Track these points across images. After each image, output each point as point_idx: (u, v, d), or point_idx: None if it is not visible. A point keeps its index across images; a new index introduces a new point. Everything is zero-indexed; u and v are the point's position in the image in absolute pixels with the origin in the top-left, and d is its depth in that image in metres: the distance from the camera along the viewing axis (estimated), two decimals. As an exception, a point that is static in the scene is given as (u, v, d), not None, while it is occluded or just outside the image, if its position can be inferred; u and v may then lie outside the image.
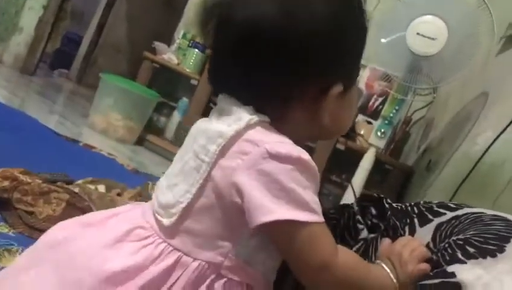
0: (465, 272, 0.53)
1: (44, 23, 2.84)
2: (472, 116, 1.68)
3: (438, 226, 0.64)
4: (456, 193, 1.30)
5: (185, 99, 2.41)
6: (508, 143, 1.23)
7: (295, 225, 0.54)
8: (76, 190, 1.02)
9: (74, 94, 3.16)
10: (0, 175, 0.94)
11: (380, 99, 2.21)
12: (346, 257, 0.58)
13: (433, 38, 1.61)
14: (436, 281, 0.54)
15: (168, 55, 2.39)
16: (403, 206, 0.72)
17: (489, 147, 1.18)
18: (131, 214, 0.63)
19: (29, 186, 0.95)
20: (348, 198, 1.77)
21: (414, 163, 2.16)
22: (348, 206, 0.78)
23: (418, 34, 1.64)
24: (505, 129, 1.17)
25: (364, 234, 0.73)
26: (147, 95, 2.27)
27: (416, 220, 0.68)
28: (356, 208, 0.76)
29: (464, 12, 1.61)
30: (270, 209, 0.53)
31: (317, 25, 0.57)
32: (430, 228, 0.65)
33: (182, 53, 2.43)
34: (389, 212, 0.71)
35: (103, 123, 2.19)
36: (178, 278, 0.56)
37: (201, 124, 0.62)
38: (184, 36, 2.48)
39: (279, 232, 0.55)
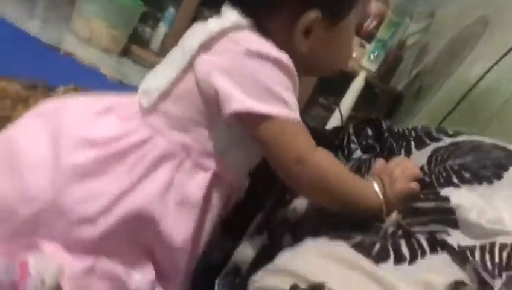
0: (459, 197, 0.52)
1: None
2: (469, 42, 1.64)
3: (435, 151, 0.63)
4: (445, 119, 1.29)
5: (171, 10, 2.29)
6: (503, 71, 1.20)
7: (270, 119, 0.56)
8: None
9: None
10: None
11: (375, 21, 2.13)
12: (326, 158, 0.59)
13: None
14: (430, 204, 0.53)
15: (155, -39, 2.23)
16: (401, 129, 0.71)
17: (484, 74, 1.16)
18: (118, 98, 0.66)
19: (6, 92, 0.90)
20: (335, 121, 1.76)
21: (404, 88, 2.14)
22: (343, 128, 0.76)
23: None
24: (502, 57, 1.13)
25: (357, 154, 0.72)
26: (131, 2, 2.16)
27: (412, 143, 0.67)
28: (351, 129, 0.75)
29: None
30: (243, 99, 0.56)
31: None
32: (427, 151, 0.64)
33: (169, -41, 2.26)
34: (386, 134, 0.70)
35: (86, 30, 2.10)
36: (149, 152, 0.58)
37: (196, 26, 0.65)
38: None
39: (254, 125, 0.57)
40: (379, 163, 0.65)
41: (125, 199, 0.56)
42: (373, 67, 1.87)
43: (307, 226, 0.60)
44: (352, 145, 0.73)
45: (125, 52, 2.23)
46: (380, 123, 0.73)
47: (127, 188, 0.57)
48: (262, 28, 0.61)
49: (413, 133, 0.69)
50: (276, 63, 0.57)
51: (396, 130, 0.72)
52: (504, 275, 0.46)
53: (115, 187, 0.56)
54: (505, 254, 0.47)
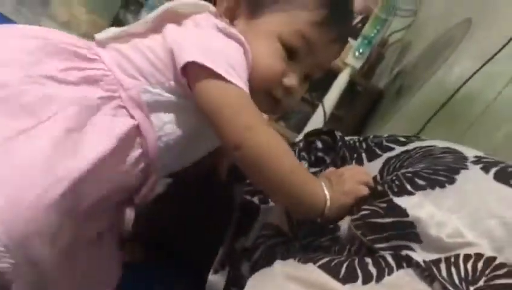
0: (416, 209, 0.52)
1: None
2: (452, 43, 1.65)
3: (387, 161, 0.63)
4: (426, 124, 1.30)
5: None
6: (486, 75, 1.22)
7: (228, 83, 0.55)
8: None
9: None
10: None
11: (360, 17, 2.13)
12: (277, 135, 0.57)
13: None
14: (389, 220, 0.53)
15: None
16: (351, 141, 0.71)
17: (468, 78, 1.17)
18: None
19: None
20: (318, 118, 1.76)
21: (385, 86, 2.16)
22: (294, 144, 0.76)
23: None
24: (485, 63, 1.15)
25: None
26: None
27: (364, 155, 0.67)
28: (301, 144, 0.74)
29: None
30: (201, 54, 0.56)
31: None
32: (379, 162, 0.64)
33: None
34: (340, 143, 0.69)
35: (65, 15, 2.03)
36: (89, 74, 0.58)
37: None
38: None
39: (206, 84, 0.55)
40: (329, 169, 0.64)
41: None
42: (357, 65, 1.88)
43: (268, 255, 0.60)
44: (302, 162, 0.72)
45: (105, 39, 2.17)
46: (332, 134, 0.72)
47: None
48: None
49: (363, 145, 0.68)
50: (238, 40, 0.60)
51: (347, 142, 0.71)
52: (472, 289, 0.47)
53: None
54: (469, 267, 0.48)
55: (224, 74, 0.54)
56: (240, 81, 0.55)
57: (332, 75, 1.84)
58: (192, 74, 0.56)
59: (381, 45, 2.12)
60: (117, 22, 2.23)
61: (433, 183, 0.53)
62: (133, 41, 0.62)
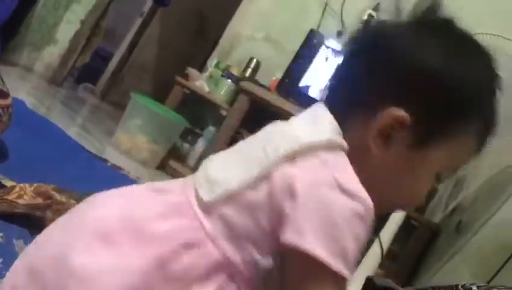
0: None
1: (79, 37, 2.86)
2: (510, 184, 1.62)
3: None
4: (503, 267, 1.21)
5: (211, 128, 2.37)
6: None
7: (326, 269, 0.49)
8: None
9: (97, 110, 3.15)
10: (34, 191, 0.89)
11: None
12: None
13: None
14: None
15: (200, 82, 2.37)
16: None
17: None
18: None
19: (63, 205, 0.89)
20: (374, 253, 1.69)
21: (441, 221, 2.08)
22: None
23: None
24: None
25: None
26: (175, 119, 2.24)
27: None
28: None
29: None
30: (314, 242, 0.49)
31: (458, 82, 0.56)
32: None
33: (213, 82, 2.41)
34: None
35: (128, 143, 2.16)
36: (192, 260, 0.51)
37: (278, 124, 0.59)
38: (217, 65, 2.46)
39: (304, 267, 0.50)
40: None
41: None
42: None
43: None
44: None
45: (161, 166, 2.26)
46: None
47: None
48: (354, 148, 0.55)
49: None
50: (361, 206, 0.51)
51: None
52: None
53: None
54: None
55: (339, 272, 0.49)
56: (348, 272, 0.50)
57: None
58: (301, 258, 0.50)
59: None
60: (173, 150, 2.34)
61: None
62: (244, 199, 0.53)
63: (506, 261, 1.16)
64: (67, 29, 2.81)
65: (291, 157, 0.52)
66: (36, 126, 1.69)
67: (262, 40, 2.64)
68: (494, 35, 1.43)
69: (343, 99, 0.58)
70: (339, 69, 0.62)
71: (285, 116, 2.08)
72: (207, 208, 0.53)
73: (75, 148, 1.70)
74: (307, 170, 0.51)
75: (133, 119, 2.17)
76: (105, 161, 1.77)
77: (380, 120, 0.55)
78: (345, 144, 0.54)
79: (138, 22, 3.41)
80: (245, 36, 2.68)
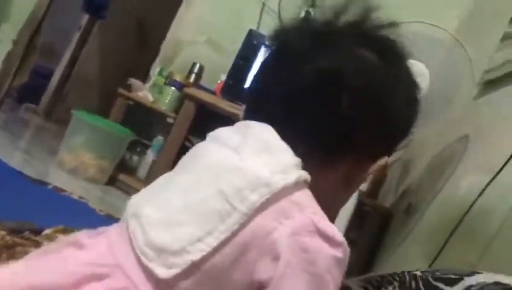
0: None
1: (13, 57, 2.74)
2: (453, 159, 1.68)
3: None
4: (444, 245, 1.26)
5: (159, 138, 2.34)
6: (496, 188, 1.21)
7: None
8: (45, 242, 0.92)
9: (42, 130, 3.04)
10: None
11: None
12: None
13: (414, 82, 1.61)
14: None
15: (144, 93, 2.33)
16: (397, 277, 0.66)
17: (482, 192, 1.16)
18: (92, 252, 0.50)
19: (-7, 238, 0.85)
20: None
21: (392, 205, 2.14)
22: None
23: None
24: (496, 174, 1.15)
25: None
26: (120, 133, 2.19)
27: None
28: None
29: (443, 56, 1.64)
30: None
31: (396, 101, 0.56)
32: None
33: (157, 90, 2.37)
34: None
35: (73, 162, 2.09)
36: None
37: (223, 153, 0.52)
38: (160, 73, 2.43)
39: None
40: None
41: None
42: (364, 185, 1.88)
43: None
44: None
45: (111, 181, 2.21)
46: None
47: None
48: (314, 177, 0.50)
49: (413, 285, 0.63)
50: (339, 250, 0.48)
51: (394, 278, 0.67)
52: None
53: None
54: None
55: None
56: None
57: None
58: None
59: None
60: (122, 164, 2.29)
61: None
62: (206, 267, 0.46)
63: (450, 236, 1.21)
64: (-2, 50, 2.69)
65: (263, 207, 0.46)
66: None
67: (204, 43, 2.62)
68: (417, 22, 1.49)
69: (295, 129, 0.52)
70: (276, 79, 0.56)
71: (232, 119, 2.08)
72: (163, 286, 0.46)
73: (12, 174, 1.63)
74: (282, 218, 0.47)
75: (76, 136, 2.11)
76: (46, 184, 1.71)
77: (370, 171, 0.54)
78: (308, 177, 0.50)
79: (77, 36, 3.32)
80: (186, 41, 2.66)
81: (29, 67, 3.25)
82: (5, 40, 2.70)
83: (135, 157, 2.38)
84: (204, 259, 0.45)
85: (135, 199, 0.53)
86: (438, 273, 0.63)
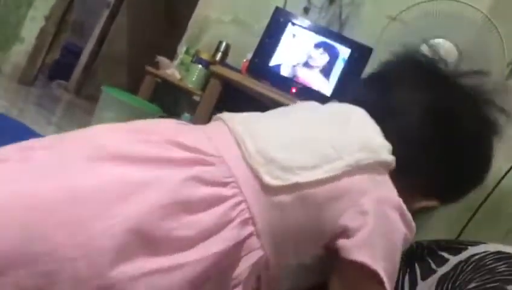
0: None
1: (45, 33, 2.81)
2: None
3: (440, 281, 0.60)
4: (467, 224, 1.26)
5: (186, 115, 2.38)
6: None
7: (377, 283, 0.50)
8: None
9: (72, 106, 3.12)
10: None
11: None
12: None
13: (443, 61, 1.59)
14: None
15: (171, 70, 2.37)
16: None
17: (504, 175, 1.16)
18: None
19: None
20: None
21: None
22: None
23: (427, 57, 1.63)
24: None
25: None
26: (148, 109, 2.24)
27: (418, 270, 0.64)
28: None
29: (474, 36, 1.61)
30: (376, 257, 0.50)
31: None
32: (432, 282, 0.61)
33: (184, 68, 2.40)
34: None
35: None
36: (238, 260, 0.47)
37: (339, 108, 0.59)
38: (187, 51, 2.46)
39: (360, 279, 0.51)
40: None
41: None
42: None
43: None
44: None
45: (140, 156, 2.27)
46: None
47: None
48: (402, 176, 0.54)
49: (418, 252, 0.65)
50: (410, 234, 0.53)
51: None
52: None
53: None
54: None
55: (385, 284, 0.50)
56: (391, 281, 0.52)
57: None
58: (351, 266, 0.51)
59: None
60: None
61: None
62: (307, 192, 0.50)
63: (470, 219, 1.21)
64: (31, 27, 2.76)
65: (364, 167, 0.52)
66: (8, 129, 1.69)
67: (231, 22, 2.63)
68: (450, 0, 1.46)
69: (390, 131, 0.56)
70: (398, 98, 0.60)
71: (258, 97, 2.07)
72: (265, 194, 0.49)
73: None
74: (376, 185, 0.52)
75: (106, 112, 2.17)
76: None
77: (417, 205, 0.57)
78: (393, 166, 0.55)
79: (105, 13, 3.37)
80: (213, 20, 2.67)
81: (60, 44, 3.33)
82: (37, 16, 2.77)
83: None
84: (307, 185, 0.49)
85: (237, 117, 0.56)
86: (443, 243, 0.65)
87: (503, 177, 1.18)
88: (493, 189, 1.21)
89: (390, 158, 0.54)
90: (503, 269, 0.55)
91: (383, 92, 0.60)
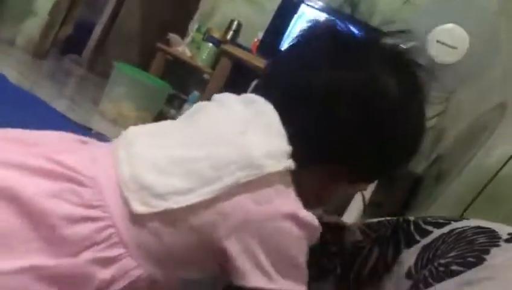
0: None
1: (59, 7, 2.83)
2: (488, 127, 1.66)
3: (422, 250, 0.63)
4: (468, 207, 1.28)
5: (196, 93, 2.40)
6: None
7: None
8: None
9: (85, 80, 3.15)
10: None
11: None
12: None
13: (453, 47, 1.59)
14: None
15: (182, 48, 2.38)
16: (392, 221, 0.71)
17: (507, 161, 1.17)
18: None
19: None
20: (357, 203, 1.75)
21: (423, 172, 2.15)
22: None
23: (438, 42, 1.63)
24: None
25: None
26: (159, 86, 2.26)
27: (402, 240, 0.67)
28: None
29: (485, 20, 1.60)
30: (280, 282, 0.49)
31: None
32: (415, 251, 0.64)
33: (195, 46, 2.41)
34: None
35: (114, 112, 2.18)
36: (113, 281, 0.47)
37: (225, 119, 0.54)
38: (198, 29, 2.46)
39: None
40: None
41: None
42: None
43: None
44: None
45: (149, 132, 2.30)
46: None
47: None
48: (298, 171, 0.51)
49: (404, 225, 0.68)
50: (308, 234, 0.52)
51: (388, 223, 0.71)
52: None
53: None
54: None
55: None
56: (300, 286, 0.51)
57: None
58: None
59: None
60: (160, 116, 2.37)
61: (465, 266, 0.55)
62: (181, 216, 0.48)
63: (473, 200, 1.23)
64: (45, 0, 2.78)
65: (245, 185, 0.49)
66: (20, 100, 1.72)
67: (243, 0, 2.62)
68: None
69: (295, 123, 0.53)
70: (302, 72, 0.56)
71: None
72: (135, 220, 0.48)
73: (60, 119, 1.73)
74: (262, 201, 0.49)
75: (118, 87, 2.19)
76: (90, 129, 1.81)
77: (342, 189, 0.57)
78: (293, 167, 0.51)
79: (118, -11, 3.37)
80: (225, -2, 2.66)
81: (74, 19, 3.35)
82: (51, -10, 2.78)
83: (172, 111, 2.46)
84: (179, 210, 0.48)
85: (133, 130, 0.56)
86: (429, 219, 0.67)
87: (508, 160, 1.19)
88: (498, 171, 1.22)
89: (283, 166, 0.50)
90: (481, 240, 0.58)
91: (297, 71, 0.56)
